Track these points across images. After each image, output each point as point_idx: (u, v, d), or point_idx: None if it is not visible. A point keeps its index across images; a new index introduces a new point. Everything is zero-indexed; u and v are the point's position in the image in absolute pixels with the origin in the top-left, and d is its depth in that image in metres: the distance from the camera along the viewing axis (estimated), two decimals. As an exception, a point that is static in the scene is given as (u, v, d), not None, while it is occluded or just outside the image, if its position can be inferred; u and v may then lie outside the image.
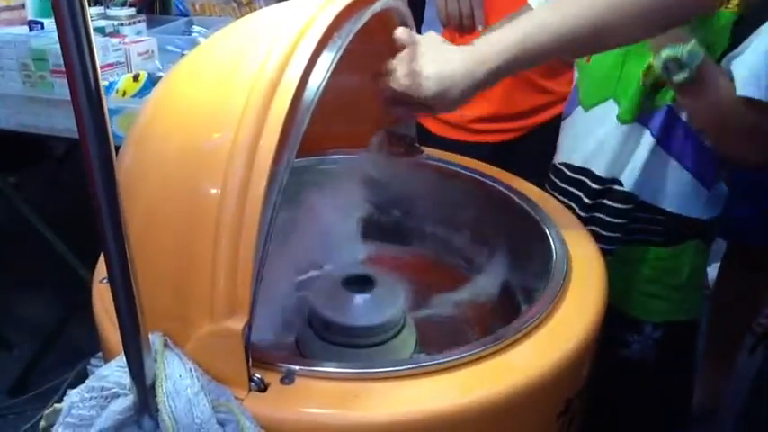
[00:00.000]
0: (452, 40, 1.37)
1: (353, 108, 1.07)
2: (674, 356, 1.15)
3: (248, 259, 0.62)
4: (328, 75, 0.67)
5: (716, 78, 0.94)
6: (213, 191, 0.63)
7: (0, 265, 2.26)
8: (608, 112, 1.07)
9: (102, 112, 0.50)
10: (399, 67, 0.87)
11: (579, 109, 1.13)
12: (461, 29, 1.35)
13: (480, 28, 1.34)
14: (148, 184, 0.69)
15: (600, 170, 1.08)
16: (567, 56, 0.90)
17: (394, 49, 0.99)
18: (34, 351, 1.95)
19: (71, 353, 1.91)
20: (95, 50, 0.49)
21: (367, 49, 0.86)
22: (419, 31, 1.44)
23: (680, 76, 0.93)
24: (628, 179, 1.06)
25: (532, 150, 1.39)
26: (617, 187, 1.08)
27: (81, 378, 1.81)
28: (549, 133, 1.24)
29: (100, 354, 1.85)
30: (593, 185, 1.10)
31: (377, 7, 0.77)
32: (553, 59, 0.90)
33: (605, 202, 1.09)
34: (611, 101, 1.06)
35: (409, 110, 0.92)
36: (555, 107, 1.37)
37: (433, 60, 0.87)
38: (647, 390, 1.13)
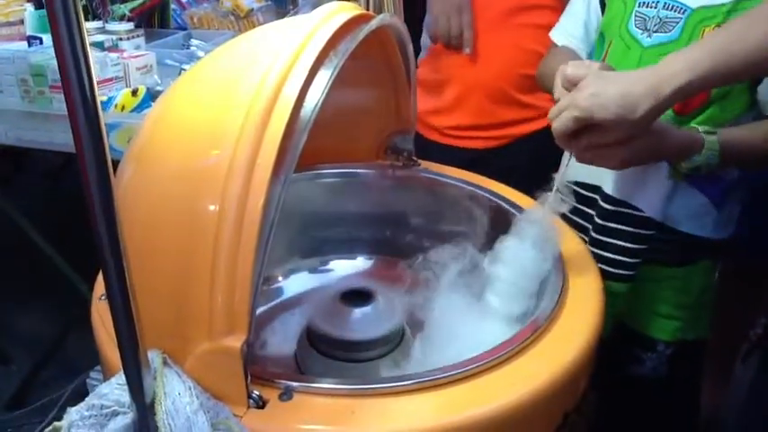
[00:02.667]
0: (438, 56, 1.40)
1: (349, 122, 1.08)
2: (683, 373, 1.15)
3: (246, 277, 0.63)
4: (325, 93, 0.67)
5: (742, 145, 0.93)
6: (211, 208, 0.64)
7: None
8: None
9: (99, 130, 0.50)
10: (578, 94, 0.82)
11: None
12: (448, 47, 1.37)
13: (468, 51, 1.35)
14: (147, 201, 0.69)
15: (610, 189, 1.04)
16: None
17: (390, 66, 1.00)
18: (32, 365, 1.95)
19: (69, 367, 1.91)
20: (93, 67, 0.50)
21: (363, 64, 0.87)
22: (418, 40, 1.46)
23: (708, 168, 0.93)
24: (641, 201, 1.03)
25: (520, 159, 1.40)
26: (630, 211, 1.04)
27: (79, 392, 1.82)
28: (538, 147, 1.24)
29: (98, 368, 1.86)
30: (605, 205, 1.05)
31: (372, 25, 0.78)
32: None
33: (617, 226, 1.05)
34: None
35: (590, 140, 0.84)
36: (538, 122, 1.39)
37: (613, 81, 0.82)
38: (657, 405, 1.14)
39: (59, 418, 1.89)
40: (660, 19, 0.98)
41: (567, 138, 0.84)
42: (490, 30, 1.33)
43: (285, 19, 0.78)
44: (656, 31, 0.98)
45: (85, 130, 0.50)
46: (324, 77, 0.68)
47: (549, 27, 1.20)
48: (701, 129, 0.94)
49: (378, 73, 1.01)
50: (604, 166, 0.91)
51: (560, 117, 0.83)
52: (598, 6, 1.11)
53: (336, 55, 0.71)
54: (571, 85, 0.85)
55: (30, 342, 2.05)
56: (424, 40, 1.47)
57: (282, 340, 0.98)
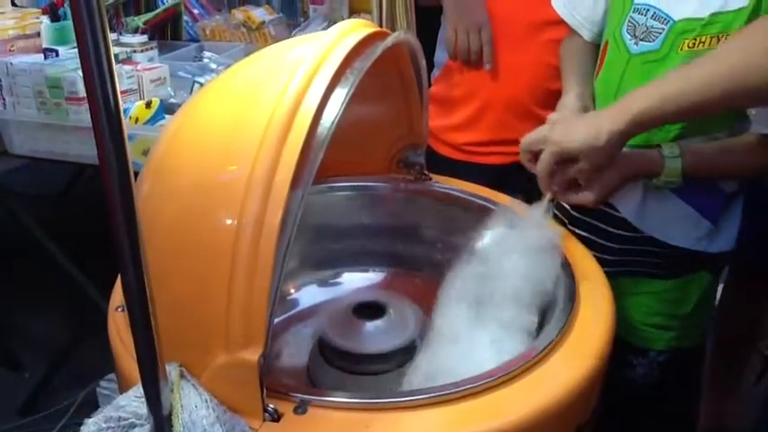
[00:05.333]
0: (459, 72, 1.41)
1: (362, 136, 1.09)
2: (678, 380, 1.15)
3: (264, 290, 0.63)
4: (342, 110, 0.68)
5: (710, 167, 0.98)
6: (229, 222, 0.65)
7: (11, 285, 2.28)
8: None
9: (122, 142, 0.52)
10: (551, 131, 0.92)
11: None
12: (468, 63, 1.37)
13: (488, 66, 1.35)
14: (165, 215, 0.70)
15: None
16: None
17: (403, 80, 1.01)
18: (44, 371, 1.96)
19: (81, 374, 1.92)
20: (116, 79, 0.51)
21: (376, 79, 0.88)
22: (432, 55, 1.46)
23: (673, 186, 0.99)
24: (624, 207, 1.06)
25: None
26: (612, 211, 1.07)
27: (90, 399, 1.83)
28: None
29: (109, 376, 1.86)
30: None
31: (388, 42, 0.79)
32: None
33: (602, 225, 1.09)
34: None
35: (566, 175, 0.93)
36: None
37: (582, 117, 0.97)
38: (650, 412, 1.14)
39: (70, 426, 1.90)
40: (647, 28, 0.99)
41: (549, 179, 0.93)
42: (510, 45, 1.33)
43: (302, 35, 0.78)
44: (642, 40, 1.00)
45: (109, 144, 0.51)
46: (341, 95, 0.69)
47: None
48: (666, 151, 0.96)
49: (391, 87, 1.02)
50: (583, 203, 0.95)
51: (540, 159, 0.92)
52: None
53: (353, 72, 0.72)
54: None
55: (42, 349, 2.06)
56: (438, 56, 1.47)
57: (294, 352, 0.99)
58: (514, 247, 0.92)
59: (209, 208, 0.66)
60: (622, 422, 1.11)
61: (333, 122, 0.67)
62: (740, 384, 1.81)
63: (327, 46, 0.73)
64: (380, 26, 1.12)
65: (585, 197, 0.94)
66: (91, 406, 1.83)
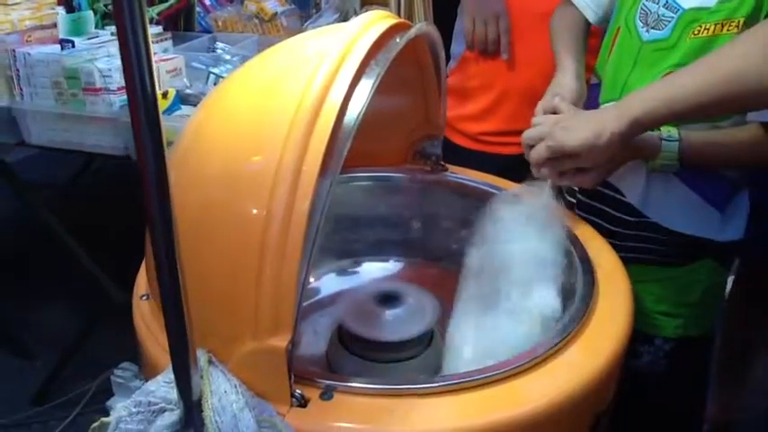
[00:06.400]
0: (476, 63, 1.41)
1: (379, 126, 1.09)
2: (684, 369, 1.15)
3: (292, 278, 0.64)
4: (368, 101, 0.69)
5: (709, 153, 0.98)
6: (258, 211, 0.66)
7: (23, 275, 2.30)
8: None
9: (159, 133, 0.53)
10: (555, 128, 0.93)
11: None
12: (485, 53, 1.38)
13: (506, 56, 1.36)
14: (192, 205, 0.71)
15: None
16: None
17: (422, 71, 1.02)
18: (56, 361, 1.98)
19: (93, 363, 1.93)
20: (155, 73, 0.52)
21: (396, 69, 0.88)
22: (449, 46, 1.47)
23: (670, 170, 1.00)
24: (630, 192, 1.07)
25: None
26: (618, 196, 1.08)
27: (104, 388, 1.85)
28: None
29: (123, 364, 1.87)
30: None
31: (411, 34, 0.80)
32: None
33: (609, 210, 1.10)
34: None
35: (564, 167, 0.94)
36: None
37: (585, 116, 0.96)
38: (656, 400, 1.14)
39: (84, 414, 1.91)
40: (658, 16, 1.00)
41: (539, 165, 0.95)
42: (527, 35, 1.33)
43: (325, 27, 0.79)
44: (653, 27, 1.01)
45: (147, 134, 0.52)
46: (366, 86, 0.70)
47: (591, 34, 1.20)
48: (664, 134, 0.97)
49: (409, 78, 1.03)
50: (580, 185, 0.99)
51: (537, 147, 0.94)
52: None
53: (377, 64, 0.73)
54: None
55: (54, 338, 2.08)
56: (455, 48, 1.48)
57: (314, 340, 1.00)
58: (517, 223, 0.94)
59: (238, 197, 0.67)
60: (630, 412, 1.12)
61: (359, 113, 0.68)
62: (750, 376, 1.81)
63: (352, 37, 0.74)
64: (398, 15, 1.13)
65: (582, 180, 0.96)
66: (104, 395, 1.85)
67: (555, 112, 1.01)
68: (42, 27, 1.53)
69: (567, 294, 0.91)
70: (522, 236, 0.94)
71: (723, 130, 0.99)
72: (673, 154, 0.97)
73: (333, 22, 1.91)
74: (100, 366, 1.88)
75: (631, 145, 0.96)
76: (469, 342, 0.89)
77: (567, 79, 1.09)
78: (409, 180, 1.16)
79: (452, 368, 0.87)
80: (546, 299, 0.89)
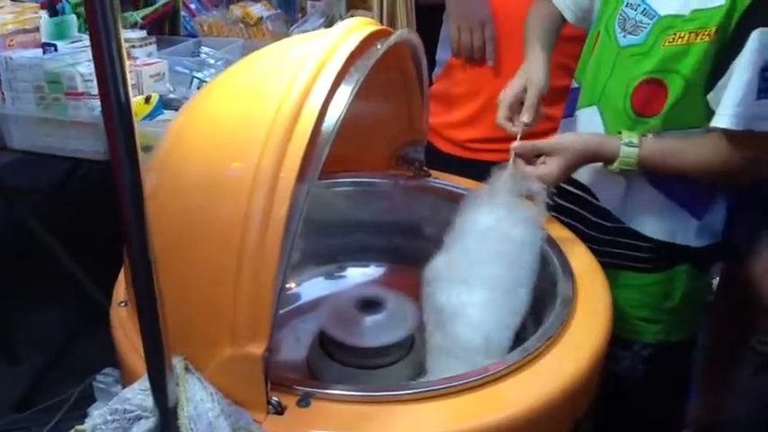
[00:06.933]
0: (462, 69, 1.42)
1: (362, 131, 1.09)
2: (663, 373, 1.16)
3: (269, 284, 0.64)
4: (346, 108, 0.69)
5: (667, 160, 1.01)
6: (236, 216, 0.65)
7: (8, 279, 2.28)
8: (592, 118, 1.10)
9: (133, 137, 0.52)
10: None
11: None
12: (471, 60, 1.38)
13: (491, 63, 1.36)
14: (172, 209, 0.71)
15: (579, 175, 1.10)
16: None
17: (404, 77, 1.02)
18: (40, 366, 1.96)
19: (76, 369, 1.92)
20: (128, 75, 0.52)
21: (378, 75, 0.88)
22: (434, 52, 1.47)
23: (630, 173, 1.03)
24: (607, 199, 1.09)
25: None
26: (592, 200, 1.10)
27: (87, 393, 1.82)
28: None
29: (105, 370, 1.86)
30: (567, 186, 1.12)
31: (391, 41, 0.80)
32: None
33: (587, 215, 1.11)
34: (595, 108, 1.09)
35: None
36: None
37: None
38: (636, 406, 1.15)
39: (66, 420, 1.89)
40: (636, 22, 1.03)
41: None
42: (513, 41, 1.33)
43: (307, 33, 0.79)
44: (630, 33, 1.04)
45: (121, 138, 0.51)
46: (345, 92, 0.70)
47: (573, 39, 1.21)
48: (625, 139, 1.00)
49: (392, 84, 1.03)
50: (542, 175, 1.01)
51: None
52: None
53: (357, 70, 0.73)
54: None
55: (38, 344, 2.06)
56: (440, 55, 1.48)
57: (294, 345, 1.00)
58: (484, 216, 0.96)
59: (216, 202, 0.67)
60: (610, 417, 1.13)
61: (338, 119, 0.68)
62: (735, 379, 1.82)
63: (332, 43, 0.74)
64: (381, 22, 1.13)
65: (547, 171, 1.00)
66: (87, 400, 1.84)
67: (521, 102, 1.07)
68: (25, 31, 1.52)
69: (545, 296, 0.92)
70: (489, 235, 0.95)
71: (683, 138, 1.01)
72: (632, 159, 0.99)
73: (318, 27, 1.91)
74: (84, 372, 1.88)
75: (592, 145, 1.01)
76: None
77: (536, 68, 1.10)
78: (392, 186, 1.16)
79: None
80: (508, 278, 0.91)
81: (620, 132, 1.01)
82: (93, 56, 0.49)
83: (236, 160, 0.68)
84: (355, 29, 0.80)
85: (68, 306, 2.06)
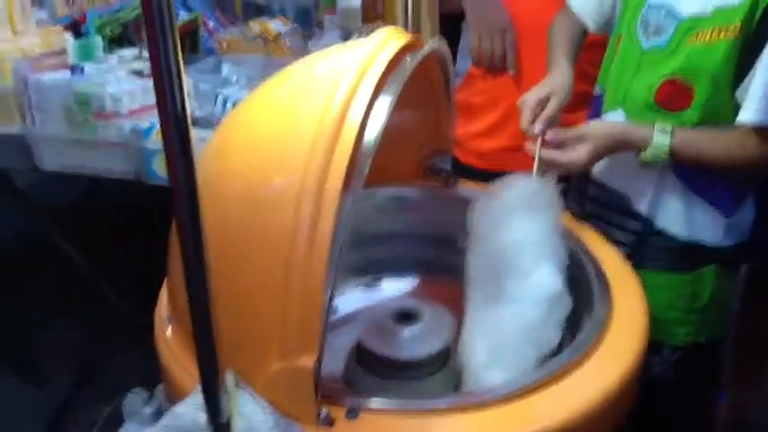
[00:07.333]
0: (482, 79, 1.42)
1: (392, 141, 1.09)
2: (694, 376, 1.16)
3: (318, 296, 0.65)
4: (387, 118, 0.70)
5: (698, 150, 1.02)
6: (283, 231, 0.66)
7: (36, 297, 2.29)
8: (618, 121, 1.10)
9: (191, 159, 0.53)
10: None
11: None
12: (492, 69, 1.38)
13: (512, 71, 1.36)
14: (216, 226, 0.70)
15: (612, 183, 1.12)
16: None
17: (432, 87, 1.03)
18: (70, 387, 1.97)
19: (104, 388, 1.93)
20: (186, 95, 0.53)
21: (408, 87, 0.89)
22: (454, 61, 1.47)
23: (663, 163, 1.03)
24: (639, 201, 1.09)
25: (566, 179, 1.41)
26: (626, 205, 1.10)
27: (117, 413, 1.83)
28: None
29: (134, 390, 1.87)
30: (599, 194, 1.14)
31: (426, 51, 0.81)
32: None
33: (617, 219, 1.12)
34: (621, 111, 1.10)
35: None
36: None
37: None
38: (667, 409, 1.14)
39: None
40: (658, 25, 1.04)
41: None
42: (533, 49, 1.33)
43: (341, 44, 0.80)
44: (652, 35, 1.04)
45: (180, 161, 0.52)
46: (385, 103, 0.71)
47: (592, 45, 1.22)
48: (657, 127, 1.00)
49: (420, 94, 1.04)
50: (571, 161, 1.02)
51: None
52: None
53: (394, 81, 0.73)
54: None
55: (67, 363, 2.07)
56: (460, 64, 1.48)
57: (330, 358, 0.99)
58: (504, 214, 0.97)
59: (263, 215, 0.68)
60: (642, 423, 1.12)
61: (380, 130, 0.68)
62: (764, 378, 1.80)
63: (369, 55, 0.75)
64: (405, 30, 1.14)
65: (576, 156, 1.00)
66: (116, 422, 1.84)
67: (542, 107, 1.06)
68: (52, 53, 1.54)
69: (580, 304, 0.91)
70: (510, 225, 0.96)
71: (713, 130, 1.01)
72: (664, 146, 0.99)
73: (335, 41, 1.92)
74: (113, 391, 1.88)
75: (626, 132, 1.02)
76: (481, 348, 0.90)
77: (560, 79, 1.11)
78: (423, 196, 1.16)
79: (471, 379, 0.87)
80: (544, 277, 0.90)
81: (653, 123, 1.01)
82: (152, 71, 0.50)
83: (280, 173, 0.69)
84: (388, 40, 0.80)
85: (91, 324, 2.06)
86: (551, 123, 1.05)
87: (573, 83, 1.12)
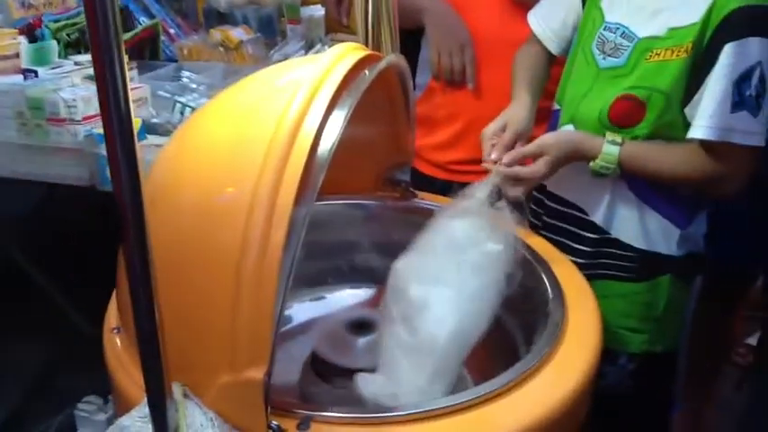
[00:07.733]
0: (441, 92, 1.44)
1: (350, 154, 1.09)
2: (650, 387, 1.18)
3: (269, 308, 0.64)
4: (341, 131, 0.70)
5: (646, 162, 1.05)
6: (234, 241, 0.66)
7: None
8: None
9: (135, 163, 0.53)
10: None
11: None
12: (451, 83, 1.40)
13: (471, 86, 1.38)
14: (167, 236, 0.70)
15: (566, 193, 1.15)
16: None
17: (391, 100, 1.04)
18: (20, 397, 1.92)
19: (55, 398, 1.88)
20: (131, 104, 0.52)
21: (366, 98, 0.90)
22: (414, 75, 1.49)
23: (611, 174, 1.06)
24: (594, 211, 1.12)
25: None
26: (580, 214, 1.14)
27: (67, 423, 1.78)
28: None
29: (89, 398, 1.82)
30: (554, 206, 1.17)
31: (382, 65, 0.81)
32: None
33: (573, 229, 1.15)
34: (571, 126, 1.13)
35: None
36: None
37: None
38: (623, 420, 1.16)
39: (47, 452, 1.79)
40: (615, 44, 1.08)
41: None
42: (493, 64, 1.36)
43: (300, 57, 0.80)
44: (609, 55, 1.08)
45: (124, 166, 0.52)
46: (340, 116, 0.71)
47: (554, 64, 1.25)
48: (608, 138, 1.04)
49: (379, 107, 1.04)
50: (532, 175, 1.05)
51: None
52: (579, 4, 1.18)
53: (350, 94, 0.74)
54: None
55: (16, 374, 2.01)
56: (420, 78, 1.49)
57: (285, 368, 0.99)
58: (460, 223, 0.96)
59: (213, 227, 0.67)
60: (603, 429, 1.14)
61: (333, 143, 0.69)
62: (716, 394, 1.85)
63: (325, 69, 0.75)
64: (366, 45, 1.15)
65: (536, 168, 1.04)
66: (69, 430, 1.80)
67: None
68: (5, 57, 1.51)
69: (536, 315, 0.93)
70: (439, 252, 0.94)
71: (662, 144, 1.05)
72: (613, 157, 1.03)
73: (299, 50, 1.92)
74: (66, 401, 1.84)
75: (576, 141, 1.06)
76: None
77: (517, 110, 1.14)
78: (380, 207, 1.17)
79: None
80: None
81: (604, 134, 1.05)
82: (96, 77, 0.50)
83: (232, 185, 0.69)
84: (346, 54, 0.81)
85: (44, 334, 2.02)
86: (507, 151, 1.08)
87: (533, 115, 1.14)
